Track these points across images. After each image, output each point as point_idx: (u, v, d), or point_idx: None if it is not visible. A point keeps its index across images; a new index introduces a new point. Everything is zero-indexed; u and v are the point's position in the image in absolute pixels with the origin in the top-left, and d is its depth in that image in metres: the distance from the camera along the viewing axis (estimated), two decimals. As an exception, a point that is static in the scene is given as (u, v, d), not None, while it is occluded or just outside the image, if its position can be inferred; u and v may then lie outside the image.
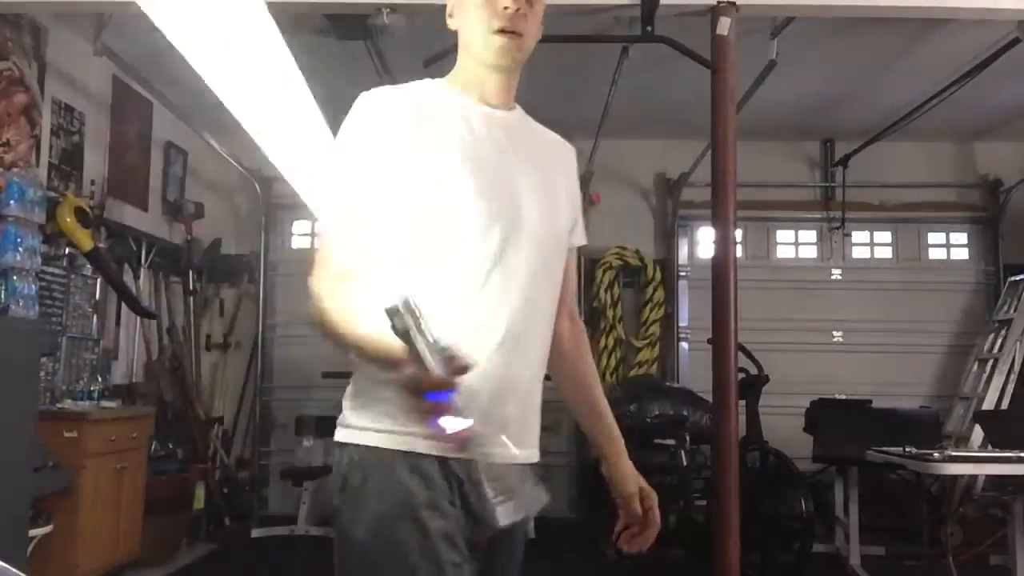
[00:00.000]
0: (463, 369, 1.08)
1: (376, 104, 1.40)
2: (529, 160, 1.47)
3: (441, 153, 1.38)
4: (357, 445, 1.38)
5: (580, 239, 1.61)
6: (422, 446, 1.33)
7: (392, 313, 1.01)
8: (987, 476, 5.33)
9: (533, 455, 1.49)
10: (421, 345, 1.03)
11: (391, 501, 1.33)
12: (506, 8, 1.41)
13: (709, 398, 3.90)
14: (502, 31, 1.42)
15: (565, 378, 1.61)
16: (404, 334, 1.02)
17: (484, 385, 1.33)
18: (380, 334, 1.12)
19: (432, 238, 1.36)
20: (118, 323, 5.74)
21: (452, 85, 1.49)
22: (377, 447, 1.35)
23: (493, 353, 1.36)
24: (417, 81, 1.48)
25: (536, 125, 1.58)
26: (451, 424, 1.08)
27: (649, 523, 1.67)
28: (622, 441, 1.66)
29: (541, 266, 1.44)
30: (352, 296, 1.27)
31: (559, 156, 1.59)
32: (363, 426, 1.38)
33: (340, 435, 1.42)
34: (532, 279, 1.41)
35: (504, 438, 1.39)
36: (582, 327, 1.65)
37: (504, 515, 1.41)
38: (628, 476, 1.65)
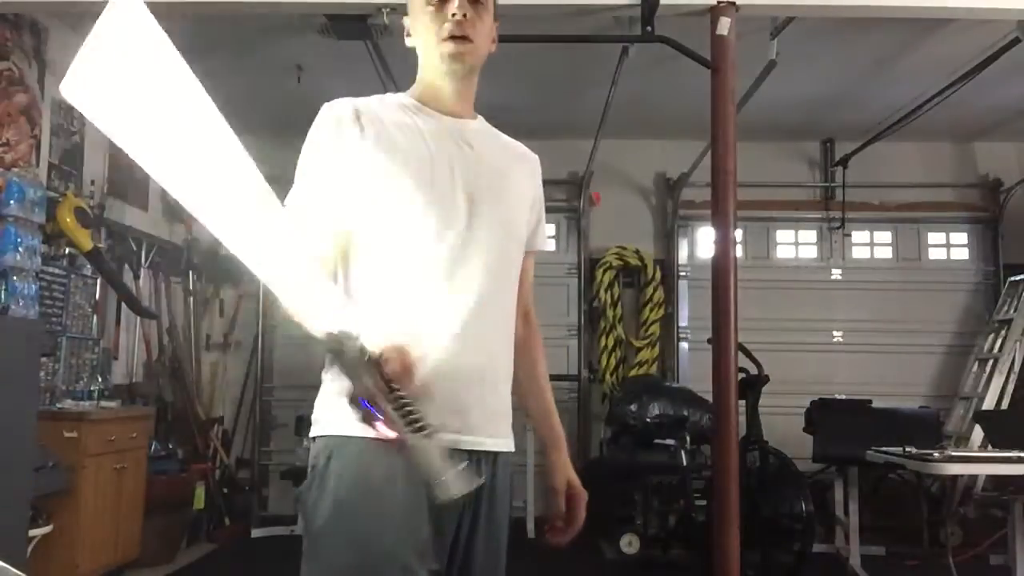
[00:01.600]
0: (408, 368, 1.19)
1: (335, 116, 1.48)
2: (488, 167, 1.54)
3: (397, 163, 1.45)
4: (325, 436, 1.43)
5: (542, 244, 1.69)
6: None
7: (333, 342, 1.15)
8: (987, 476, 5.34)
9: (503, 444, 1.53)
10: (355, 369, 1.16)
11: (351, 479, 1.38)
12: (454, 15, 1.49)
13: (709, 398, 3.90)
14: (452, 37, 1.50)
15: (517, 375, 1.64)
16: (340, 357, 1.15)
17: (441, 375, 1.39)
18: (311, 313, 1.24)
19: (390, 242, 1.45)
20: (118, 323, 5.74)
21: (411, 97, 1.57)
22: (342, 435, 1.39)
23: (450, 344, 1.43)
24: (378, 95, 1.56)
25: (499, 135, 1.65)
26: (382, 430, 1.19)
27: (571, 521, 1.69)
28: (563, 437, 1.72)
29: (498, 266, 1.51)
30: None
31: (521, 164, 1.65)
32: (329, 418, 1.43)
33: (312, 431, 1.48)
34: (489, 278, 1.48)
35: (466, 425, 1.44)
36: (536, 328, 1.75)
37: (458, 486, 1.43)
38: (559, 470, 1.69)
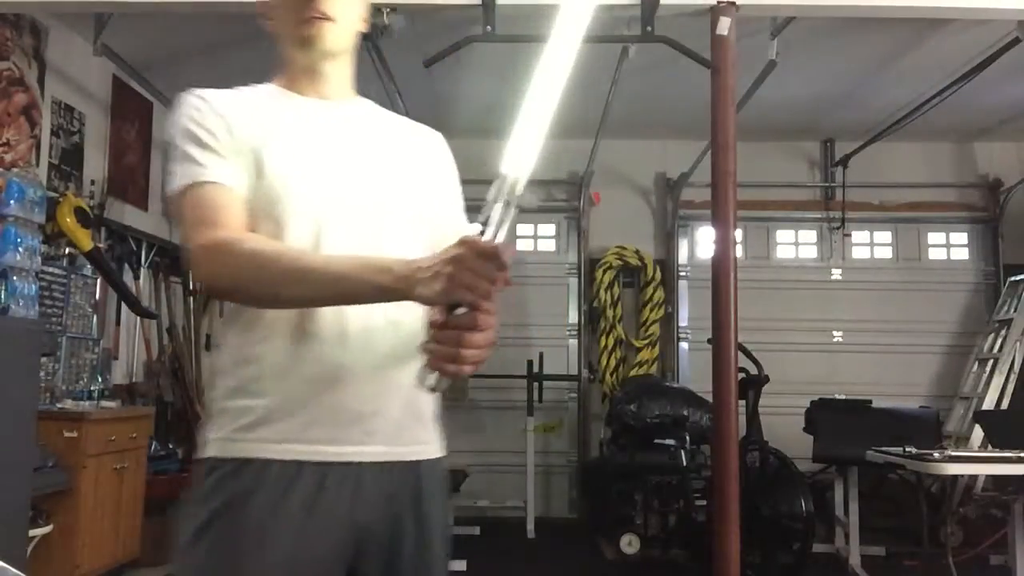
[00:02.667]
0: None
1: (194, 105, 1.36)
2: (370, 150, 1.41)
3: (260, 150, 1.33)
4: (203, 459, 1.32)
5: (459, 228, 1.44)
6: (255, 449, 1.26)
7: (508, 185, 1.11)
8: (987, 476, 5.34)
9: (420, 451, 1.36)
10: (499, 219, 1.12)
11: (214, 504, 1.26)
12: None
13: (709, 398, 3.90)
14: (312, 17, 1.38)
15: None
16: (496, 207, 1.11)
17: (328, 381, 1.27)
18: (362, 258, 1.20)
19: (258, 231, 1.31)
20: (118, 323, 5.74)
21: (277, 83, 1.45)
22: (216, 456, 1.29)
23: (334, 346, 1.28)
24: (237, 88, 1.44)
25: (388, 115, 1.51)
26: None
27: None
28: None
29: (390, 254, 1.33)
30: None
31: (419, 145, 1.50)
32: (208, 439, 1.32)
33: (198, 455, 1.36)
34: None
35: (357, 435, 1.28)
36: None
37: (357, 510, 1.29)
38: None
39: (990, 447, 4.95)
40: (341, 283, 1.18)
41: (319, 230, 1.30)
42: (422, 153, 1.49)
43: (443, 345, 1.11)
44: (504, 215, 1.10)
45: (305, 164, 1.34)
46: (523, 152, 1.13)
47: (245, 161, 1.31)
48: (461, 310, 1.10)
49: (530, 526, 6.26)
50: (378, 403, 1.30)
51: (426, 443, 1.38)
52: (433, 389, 1.15)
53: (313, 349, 1.27)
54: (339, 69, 1.46)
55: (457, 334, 1.10)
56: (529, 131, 1.15)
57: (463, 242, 1.09)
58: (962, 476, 5.44)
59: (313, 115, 1.40)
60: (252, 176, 1.31)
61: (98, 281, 5.38)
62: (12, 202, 4.28)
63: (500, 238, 1.09)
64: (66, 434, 4.25)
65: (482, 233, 1.10)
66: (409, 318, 1.28)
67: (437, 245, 1.33)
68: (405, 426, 1.33)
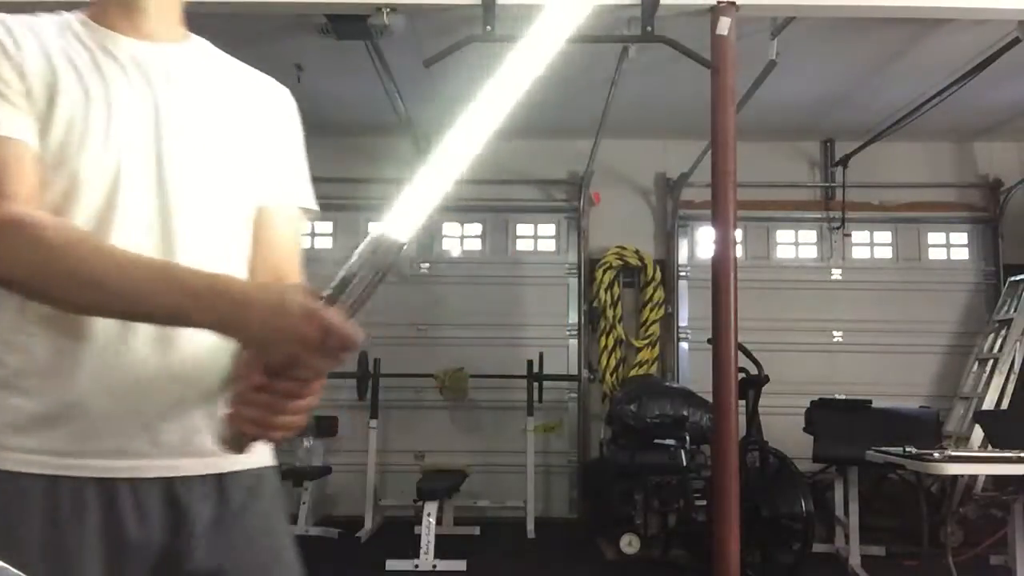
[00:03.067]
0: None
1: None
2: (191, 103, 1.18)
3: (54, 97, 1.09)
4: None
5: (297, 198, 1.29)
6: (18, 462, 1.04)
7: (388, 246, 0.93)
8: (987, 476, 5.34)
9: (231, 462, 1.12)
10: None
11: None
12: None
13: (709, 398, 3.90)
14: None
15: None
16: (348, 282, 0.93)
17: (108, 385, 1.06)
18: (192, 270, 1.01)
19: (51, 194, 1.08)
20: (118, 323, 5.73)
21: (86, 14, 1.19)
22: None
23: (116, 344, 1.07)
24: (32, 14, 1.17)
25: (224, 63, 1.27)
26: None
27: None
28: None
29: (199, 229, 1.14)
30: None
31: (257, 100, 1.27)
32: None
33: None
34: (181, 247, 1.12)
35: (145, 447, 1.08)
36: None
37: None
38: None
39: (990, 447, 4.96)
40: (166, 308, 0.99)
41: (113, 194, 1.09)
42: (260, 110, 1.26)
43: (255, 407, 0.96)
44: (369, 285, 0.93)
45: (103, 118, 1.10)
46: (413, 214, 0.95)
47: (36, 109, 1.08)
48: (287, 381, 0.96)
49: (530, 526, 6.26)
50: (174, 410, 1.10)
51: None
52: (231, 449, 0.99)
53: (95, 343, 1.06)
54: (162, 2, 1.20)
55: (274, 400, 0.96)
56: (427, 191, 0.97)
57: (312, 318, 0.91)
58: (962, 476, 5.43)
59: (124, 57, 1.15)
60: (43, 126, 1.08)
61: None
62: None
63: (356, 307, 0.93)
64: None
65: (331, 297, 0.93)
66: None
67: (264, 220, 1.22)
68: (205, 436, 1.11)
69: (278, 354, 0.94)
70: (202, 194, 1.15)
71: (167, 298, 0.98)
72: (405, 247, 0.95)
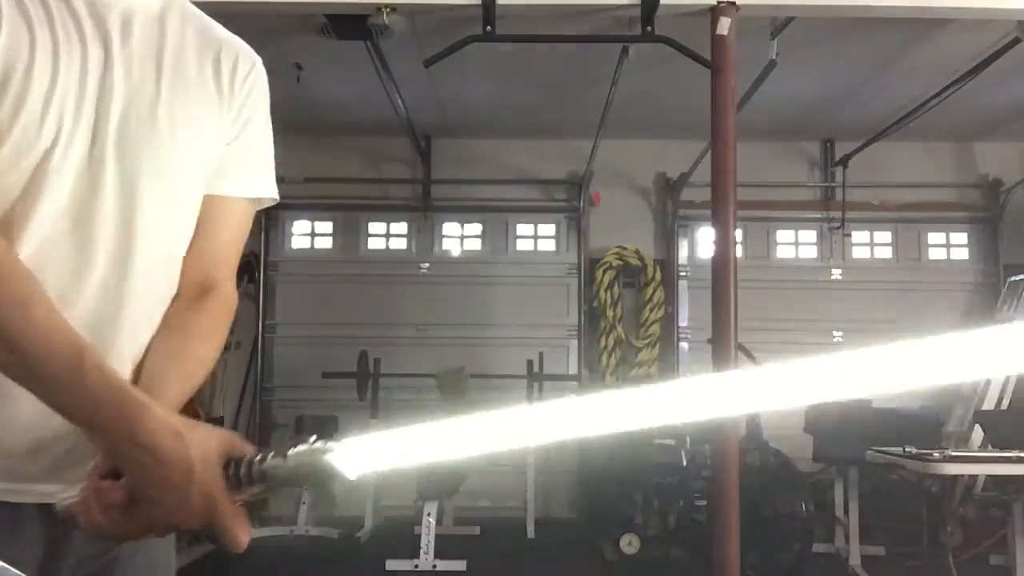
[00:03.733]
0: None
1: None
2: (144, 76, 1.03)
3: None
4: None
5: (250, 188, 1.15)
6: None
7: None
8: (987, 476, 5.33)
9: None
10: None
11: None
12: None
13: (709, 398, 3.89)
14: None
15: (155, 354, 1.06)
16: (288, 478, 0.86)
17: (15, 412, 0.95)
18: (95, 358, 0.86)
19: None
20: (118, 323, 5.73)
21: None
22: None
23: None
24: None
25: (192, 17, 1.12)
26: None
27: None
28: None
29: (142, 222, 1.02)
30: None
31: (217, 69, 1.11)
32: None
33: None
34: (120, 239, 1.01)
35: (45, 470, 1.00)
36: (224, 305, 1.13)
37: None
38: None
39: (990, 447, 4.96)
40: (59, 405, 0.87)
41: (45, 166, 0.95)
42: (224, 82, 1.11)
43: (99, 509, 0.86)
44: (284, 485, 0.87)
45: (47, 78, 0.95)
46: (372, 461, 0.82)
47: None
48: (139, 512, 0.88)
49: (530, 526, 6.26)
50: (68, 441, 0.98)
51: None
52: (64, 521, 0.91)
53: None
54: None
55: (119, 516, 0.86)
56: (396, 452, 0.83)
57: (208, 502, 0.84)
58: (962, 476, 5.41)
59: (77, 20, 0.99)
60: None
61: None
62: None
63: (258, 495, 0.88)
64: (66, 434, 4.25)
65: (244, 480, 0.87)
66: (148, 299, 1.04)
67: (210, 210, 1.09)
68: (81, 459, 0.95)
69: (149, 498, 0.85)
70: (150, 189, 1.02)
71: (64, 397, 0.86)
72: (346, 483, 0.83)
